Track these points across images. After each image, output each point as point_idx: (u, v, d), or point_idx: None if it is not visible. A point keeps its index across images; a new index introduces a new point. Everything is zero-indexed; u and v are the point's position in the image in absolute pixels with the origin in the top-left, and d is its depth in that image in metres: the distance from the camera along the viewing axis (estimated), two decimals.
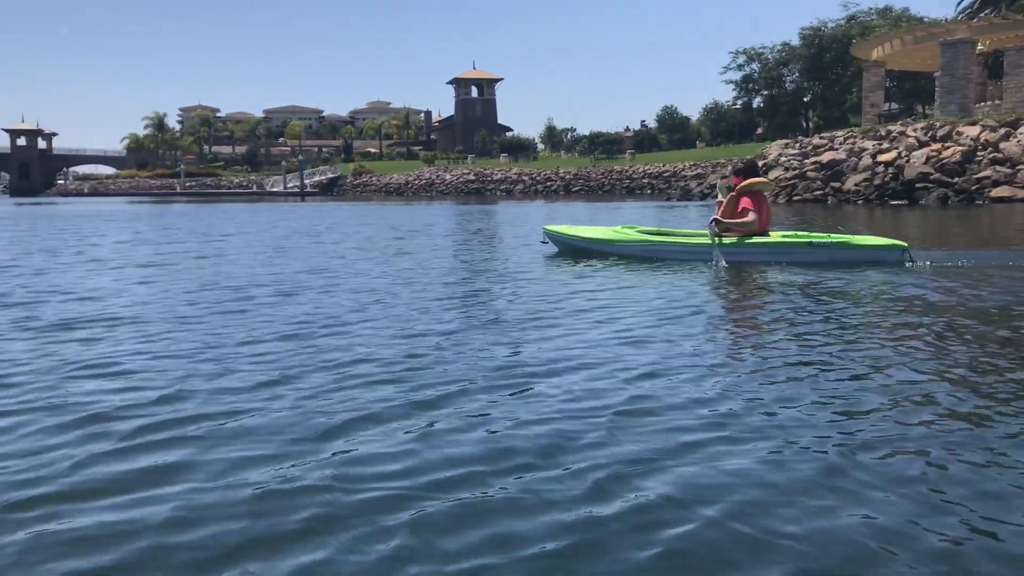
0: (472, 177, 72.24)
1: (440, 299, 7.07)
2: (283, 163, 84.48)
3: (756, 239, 9.32)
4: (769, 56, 65.53)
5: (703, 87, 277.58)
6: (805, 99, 67.12)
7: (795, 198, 28.67)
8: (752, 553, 2.27)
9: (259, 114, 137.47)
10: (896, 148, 28.04)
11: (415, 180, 75.57)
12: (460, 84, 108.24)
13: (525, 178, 69.70)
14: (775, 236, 9.51)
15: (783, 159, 31.82)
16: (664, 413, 3.52)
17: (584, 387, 3.96)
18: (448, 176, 74.20)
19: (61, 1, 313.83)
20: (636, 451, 3.06)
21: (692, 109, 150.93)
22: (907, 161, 26.90)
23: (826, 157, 29.62)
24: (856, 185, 27.25)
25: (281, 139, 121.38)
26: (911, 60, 40.58)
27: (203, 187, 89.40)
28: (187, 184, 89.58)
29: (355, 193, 75.81)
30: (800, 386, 3.94)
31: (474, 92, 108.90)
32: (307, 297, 7.27)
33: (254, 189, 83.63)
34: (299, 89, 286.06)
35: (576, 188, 64.99)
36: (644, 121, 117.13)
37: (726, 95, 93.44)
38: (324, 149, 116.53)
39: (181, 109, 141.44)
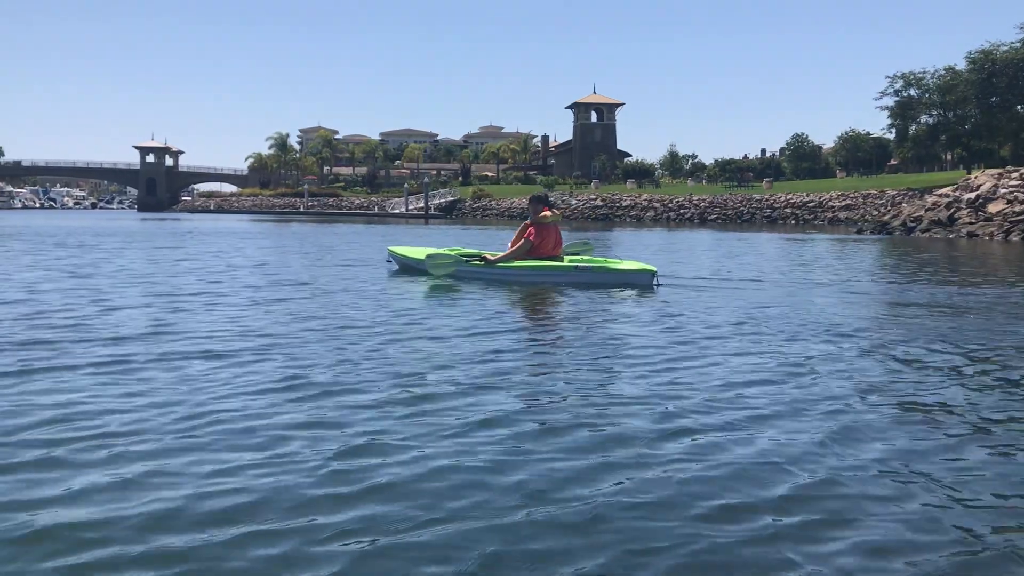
0: (599, 203, 69.85)
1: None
2: (405, 185, 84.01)
3: (535, 262, 11.40)
4: (930, 81, 60.46)
5: (831, 115, 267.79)
6: (966, 126, 61.66)
7: None
8: None
9: (375, 137, 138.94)
10: None
11: None
12: (579, 109, 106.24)
13: (656, 205, 66.81)
14: (568, 260, 11.67)
15: (1002, 190, 27.93)
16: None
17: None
18: (573, 201, 71.93)
19: (191, 24, 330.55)
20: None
21: (821, 137, 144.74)
22: None
23: None
24: None
25: (398, 161, 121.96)
26: None
27: (325, 207, 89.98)
28: (309, 204, 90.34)
29: (474, 217, 74.43)
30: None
31: (593, 117, 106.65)
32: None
33: (375, 210, 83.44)
34: (413, 112, 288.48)
35: (712, 216, 61.78)
36: (765, 149, 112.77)
37: (869, 123, 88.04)
38: (442, 172, 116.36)
39: (301, 130, 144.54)
